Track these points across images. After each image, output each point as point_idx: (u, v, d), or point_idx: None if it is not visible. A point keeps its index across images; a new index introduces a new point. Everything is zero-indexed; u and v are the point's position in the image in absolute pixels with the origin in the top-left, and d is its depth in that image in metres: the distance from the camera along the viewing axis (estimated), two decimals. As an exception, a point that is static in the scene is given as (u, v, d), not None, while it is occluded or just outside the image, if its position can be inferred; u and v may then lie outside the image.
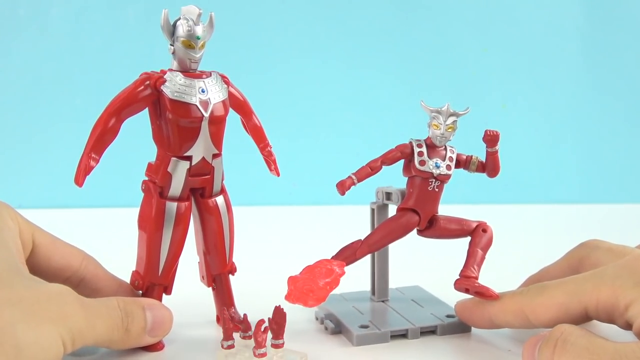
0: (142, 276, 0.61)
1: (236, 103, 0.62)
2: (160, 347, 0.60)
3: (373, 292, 0.71)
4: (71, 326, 0.50)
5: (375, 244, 0.63)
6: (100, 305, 0.54)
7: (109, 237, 0.99)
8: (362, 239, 0.63)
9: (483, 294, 0.60)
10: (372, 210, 0.69)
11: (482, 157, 0.63)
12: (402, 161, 0.63)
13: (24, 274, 0.52)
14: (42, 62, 1.25)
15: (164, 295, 0.63)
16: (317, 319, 0.67)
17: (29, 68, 1.25)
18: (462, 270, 0.62)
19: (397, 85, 1.29)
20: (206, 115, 0.58)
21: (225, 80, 0.61)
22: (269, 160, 0.65)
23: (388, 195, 0.66)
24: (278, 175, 0.66)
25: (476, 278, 0.61)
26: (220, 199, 0.62)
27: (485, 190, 1.24)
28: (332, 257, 0.62)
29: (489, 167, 0.63)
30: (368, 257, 0.67)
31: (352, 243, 0.63)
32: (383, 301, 0.70)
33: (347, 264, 0.62)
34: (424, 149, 0.62)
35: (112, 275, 0.62)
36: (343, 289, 0.71)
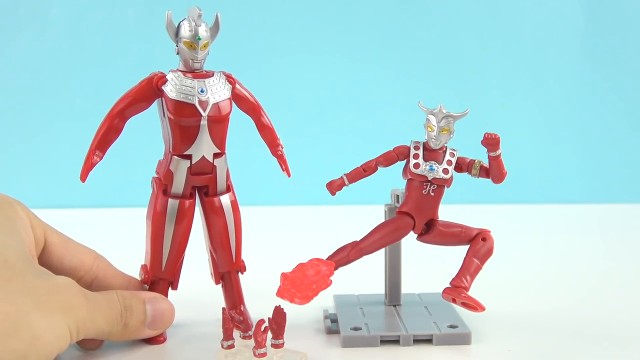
0: (148, 270, 0.62)
1: (244, 103, 0.63)
2: (161, 340, 0.61)
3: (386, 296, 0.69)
4: (76, 317, 0.51)
5: (367, 247, 0.61)
6: (101, 299, 0.55)
7: (110, 238, 0.99)
8: (357, 240, 0.62)
9: (470, 305, 0.59)
10: (385, 212, 0.67)
11: (486, 161, 0.61)
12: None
13: (34, 264, 0.53)
14: (42, 62, 1.25)
15: (171, 290, 0.63)
16: (325, 318, 0.67)
17: (29, 68, 1.25)
18: (453, 279, 0.60)
19: (397, 85, 1.29)
20: (204, 114, 0.59)
21: (230, 80, 0.61)
22: (280, 161, 0.66)
23: (397, 198, 0.65)
24: (289, 176, 0.66)
25: (466, 289, 0.59)
26: (225, 198, 0.63)
27: (485, 190, 1.23)
28: (327, 258, 0.61)
29: (493, 172, 0.60)
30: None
31: (347, 245, 0.62)
32: (394, 306, 0.68)
33: (340, 266, 0.61)
34: (420, 152, 0.61)
35: (121, 272, 0.63)
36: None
